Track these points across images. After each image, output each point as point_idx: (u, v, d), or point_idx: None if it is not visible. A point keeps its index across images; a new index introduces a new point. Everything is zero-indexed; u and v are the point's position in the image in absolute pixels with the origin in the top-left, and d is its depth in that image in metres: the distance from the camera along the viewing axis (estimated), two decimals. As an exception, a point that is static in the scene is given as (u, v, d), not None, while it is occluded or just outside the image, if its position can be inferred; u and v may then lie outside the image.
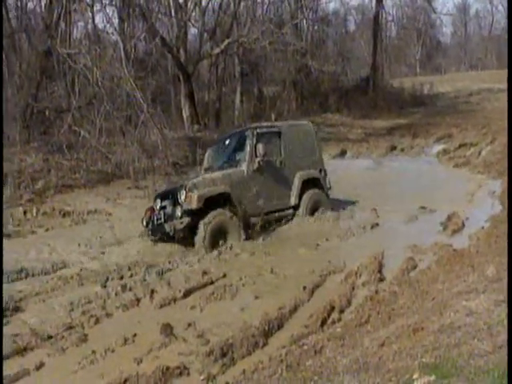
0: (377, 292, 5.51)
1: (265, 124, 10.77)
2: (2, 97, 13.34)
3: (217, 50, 21.60)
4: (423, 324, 4.00)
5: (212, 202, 8.22)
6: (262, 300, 5.63)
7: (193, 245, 8.02)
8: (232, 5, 23.16)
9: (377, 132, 20.99)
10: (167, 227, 8.15)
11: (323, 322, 4.94)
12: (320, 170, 10.13)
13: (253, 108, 24.13)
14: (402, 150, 17.28)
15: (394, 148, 17.59)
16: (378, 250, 6.86)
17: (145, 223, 8.80)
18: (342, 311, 5.19)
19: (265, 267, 6.67)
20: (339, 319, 5.02)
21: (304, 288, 5.75)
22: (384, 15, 35.28)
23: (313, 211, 9.52)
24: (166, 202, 8.70)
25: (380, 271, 6.19)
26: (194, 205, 8.02)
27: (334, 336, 4.50)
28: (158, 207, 8.85)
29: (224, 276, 6.49)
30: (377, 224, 8.64)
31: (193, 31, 24.82)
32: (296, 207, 9.47)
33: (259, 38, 20.05)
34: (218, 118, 22.92)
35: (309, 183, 9.69)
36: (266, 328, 4.81)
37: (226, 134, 11.17)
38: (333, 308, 5.21)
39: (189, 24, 22.20)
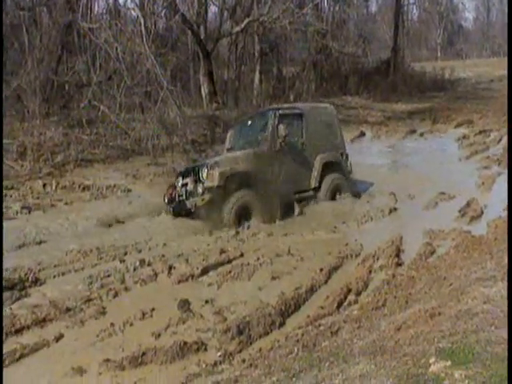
0: (394, 276, 5.50)
1: (287, 105, 10.83)
2: (1, 97, 13.33)
3: (237, 29, 21.44)
4: (440, 309, 3.98)
5: (233, 181, 8.31)
6: (279, 280, 5.66)
7: (214, 222, 8.10)
8: (253, -17, 22.93)
9: (396, 115, 20.80)
10: (188, 204, 8.32)
11: (340, 304, 4.95)
12: (341, 154, 10.14)
13: (272, 88, 23.95)
14: (422, 134, 17.10)
15: (413, 132, 17.43)
16: (395, 235, 6.85)
17: (166, 200, 8.94)
18: (358, 294, 5.18)
19: (282, 248, 6.69)
20: (356, 301, 5.02)
21: (321, 270, 5.76)
22: (406, -3, 34.85)
23: (333, 194, 9.57)
24: (187, 180, 8.78)
25: (398, 255, 6.18)
26: (215, 182, 8.15)
27: (351, 318, 4.51)
28: (179, 184, 8.95)
29: (241, 255, 6.53)
30: (395, 208, 8.61)
31: (213, 9, 24.67)
32: (316, 189, 9.49)
33: (279, 17, 19.85)
34: (237, 96, 22.79)
35: (330, 166, 9.70)
36: (283, 308, 4.83)
37: (248, 115, 11.18)
38: (349, 290, 5.22)
39: (209, 1, 22.07)
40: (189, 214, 8.38)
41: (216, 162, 8.49)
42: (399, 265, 5.94)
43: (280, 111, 9.42)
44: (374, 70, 28.44)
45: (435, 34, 51.54)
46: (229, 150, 10.11)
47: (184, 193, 8.61)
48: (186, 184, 8.74)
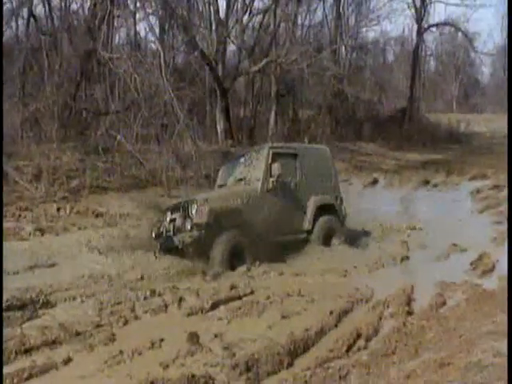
0: (404, 324, 5.46)
1: (281, 144, 10.66)
2: (2, 96, 13.56)
3: (254, 68, 21.84)
4: (450, 360, 3.98)
5: (223, 219, 8.14)
6: (288, 320, 5.63)
7: (202, 261, 7.91)
8: (272, 25, 23.46)
9: (410, 165, 20.90)
10: (176, 240, 8.13)
11: (349, 348, 4.91)
12: (336, 197, 9.96)
13: (286, 129, 24.27)
14: (435, 185, 17.10)
15: (427, 182, 17.40)
16: (407, 283, 6.84)
17: (154, 235, 8.74)
18: (368, 339, 5.14)
19: (293, 288, 6.68)
20: (365, 347, 4.98)
21: (331, 313, 5.73)
22: (424, 49, 35.36)
23: (326, 238, 9.35)
24: (176, 215, 8.57)
25: (408, 304, 6.15)
26: (204, 219, 7.97)
27: (360, 363, 4.49)
28: (168, 219, 8.74)
29: (251, 292, 6.54)
30: (407, 257, 8.59)
31: (232, 47, 25.15)
32: (309, 232, 9.28)
33: (297, 59, 20.21)
34: (252, 135, 23.08)
35: (323, 209, 9.52)
36: (292, 348, 4.80)
37: (240, 152, 11.08)
38: (359, 335, 5.18)
39: (228, 40, 22.51)
40: (176, 251, 8.15)
41: (206, 199, 8.31)
42: (410, 313, 5.90)
43: (274, 149, 9.26)
44: (389, 118, 28.73)
45: (451, 87, 51.99)
46: (220, 186, 9.93)
47: (172, 228, 8.40)
48: (175, 219, 8.53)
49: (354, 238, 10.13)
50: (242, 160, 9.79)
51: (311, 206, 9.38)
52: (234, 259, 8.05)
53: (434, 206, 14.09)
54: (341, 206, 9.99)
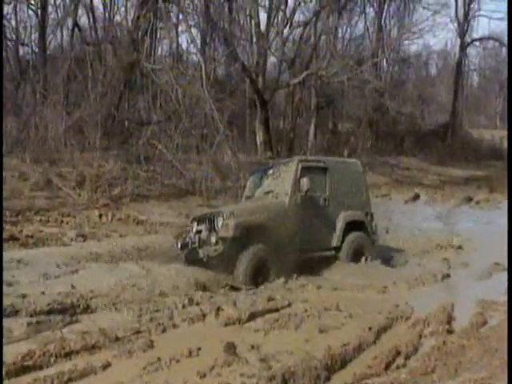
0: (445, 343, 5.36)
1: (311, 158, 10.50)
2: (1, 102, 13.86)
3: (294, 81, 21.91)
4: (490, 381, 3.91)
5: (249, 233, 7.95)
6: (326, 334, 5.58)
7: (226, 275, 7.80)
8: (312, 37, 23.51)
9: (453, 180, 20.61)
10: (201, 253, 7.99)
11: (387, 366, 4.83)
12: (366, 213, 9.63)
13: (326, 142, 24.22)
14: (478, 202, 16.78)
15: (470, 199, 17.09)
16: (447, 301, 6.71)
17: (179, 245, 8.51)
18: (407, 357, 5.05)
19: (330, 302, 6.63)
20: (404, 365, 4.89)
21: (370, 329, 5.66)
22: (467, 63, 34.86)
23: (355, 255, 9.07)
24: (201, 227, 8.46)
25: (449, 322, 6.03)
26: (230, 233, 7.79)
27: (398, 381, 4.41)
28: (194, 231, 8.62)
29: (289, 305, 6.50)
30: (448, 275, 8.43)
31: (272, 60, 25.29)
32: (337, 249, 9.03)
33: (338, 72, 20.19)
34: (291, 147, 23.09)
35: (353, 225, 9.23)
36: (329, 363, 4.75)
37: (270, 164, 10.88)
38: (398, 353, 5.09)
39: (269, 52, 22.63)
40: (201, 263, 7.99)
41: (232, 212, 8.10)
42: (450, 332, 5.79)
43: (303, 163, 9.03)
44: (431, 133, 28.45)
45: (494, 102, 51.06)
46: (248, 197, 9.73)
47: (197, 240, 8.23)
48: (200, 231, 8.41)
49: (393, 255, 9.98)
50: (271, 172, 9.58)
51: (340, 222, 9.11)
52: (258, 275, 7.89)
53: (477, 223, 13.79)
54: (371, 222, 9.68)
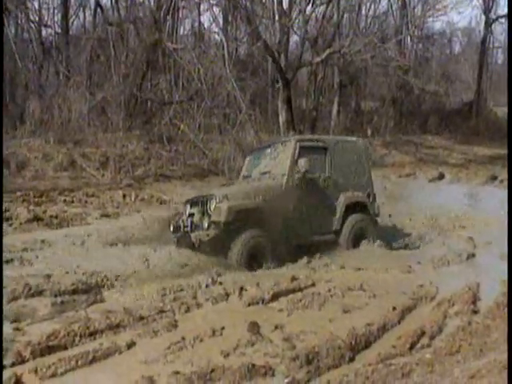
0: (470, 323, 5.31)
1: (310, 136, 10.20)
2: (2, 89, 13.91)
3: (317, 59, 21.63)
4: (516, 361, 3.83)
5: (243, 217, 7.57)
6: (350, 314, 5.56)
7: (219, 261, 7.40)
8: (335, 15, 23.20)
9: (478, 159, 20.34)
10: (193, 237, 7.59)
11: (412, 346, 4.80)
12: (368, 194, 9.29)
13: (349, 121, 23.99)
14: (502, 181, 16.54)
15: (494, 178, 16.88)
16: (473, 281, 6.63)
17: (172, 229, 8.15)
18: (432, 338, 5.01)
19: (354, 282, 6.59)
20: (429, 345, 4.85)
21: (394, 309, 5.62)
22: (491, 40, 34.16)
23: (356, 239, 8.78)
24: (194, 210, 8.16)
25: (474, 303, 5.96)
26: (222, 217, 7.41)
27: (423, 361, 4.38)
28: (186, 213, 8.32)
29: (313, 285, 6.48)
30: (473, 255, 8.32)
31: (295, 38, 25.04)
32: (337, 233, 8.72)
33: (361, 50, 19.88)
34: (314, 126, 22.93)
35: (354, 207, 8.91)
36: (353, 343, 4.73)
37: (268, 142, 10.47)
38: (423, 333, 5.06)
39: (291, 31, 22.38)
40: (193, 247, 7.57)
41: (226, 195, 7.75)
42: (475, 312, 5.73)
43: (302, 142, 8.66)
44: (456, 111, 28.02)
45: (520, 80, 50.02)
46: (245, 177, 9.38)
47: (189, 224, 7.87)
48: (193, 214, 8.10)
49: (419, 235, 9.86)
50: (268, 151, 9.18)
51: (340, 204, 8.77)
52: (253, 262, 7.54)
53: (502, 202, 13.57)
54: (373, 204, 9.35)
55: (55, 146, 13.30)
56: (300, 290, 6.28)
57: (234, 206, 7.51)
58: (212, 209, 7.66)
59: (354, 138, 10.33)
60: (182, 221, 8.14)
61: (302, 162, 8.21)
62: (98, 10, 21.64)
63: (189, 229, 7.82)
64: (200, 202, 8.11)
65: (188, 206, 8.42)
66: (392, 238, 9.85)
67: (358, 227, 8.84)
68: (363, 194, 9.18)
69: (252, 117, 15.56)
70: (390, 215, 11.14)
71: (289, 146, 8.59)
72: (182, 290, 6.06)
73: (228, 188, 8.73)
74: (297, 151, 8.42)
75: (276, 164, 8.67)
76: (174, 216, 8.69)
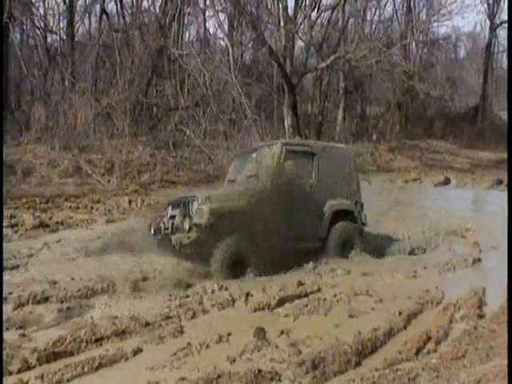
0: (475, 328, 5.30)
1: (297, 141, 10.02)
2: (2, 94, 13.96)
3: (322, 65, 21.68)
4: (522, 366, 3.82)
5: (225, 221, 7.27)
6: (356, 320, 5.55)
7: (201, 266, 7.13)
8: (341, 21, 23.27)
9: (483, 164, 20.30)
10: (173, 240, 7.39)
11: (418, 351, 4.79)
12: (356, 203, 9.03)
13: (355, 126, 24.01)
14: (508, 185, 16.54)
15: (500, 182, 16.81)
16: (478, 286, 6.61)
17: (152, 231, 7.92)
18: (438, 342, 5.00)
19: (360, 287, 6.59)
20: (435, 350, 4.84)
21: (400, 313, 5.61)
22: (496, 45, 34.17)
23: (342, 248, 8.51)
24: (176, 211, 7.89)
25: (480, 307, 5.95)
26: (204, 219, 7.16)
27: (429, 366, 4.36)
28: (168, 215, 8.06)
29: (318, 290, 6.49)
30: (479, 259, 8.30)
31: (300, 44, 25.08)
32: (324, 240, 8.47)
33: (366, 55, 19.89)
34: (320, 131, 22.96)
35: (341, 215, 8.67)
36: (360, 348, 4.72)
37: (254, 146, 10.33)
38: (429, 338, 5.05)
39: (296, 36, 22.44)
40: (174, 250, 7.36)
41: (208, 197, 7.47)
42: (481, 317, 5.72)
43: (288, 146, 8.45)
44: (461, 116, 28.03)
45: (525, 84, 49.86)
46: (230, 181, 9.12)
47: (170, 226, 7.62)
48: (174, 217, 7.81)
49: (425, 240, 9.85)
50: (254, 155, 8.90)
51: (327, 211, 8.51)
52: (236, 268, 7.26)
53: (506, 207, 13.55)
54: (360, 212, 9.10)
55: (61, 152, 13.36)
56: (306, 295, 6.27)
57: (217, 209, 7.27)
58: (194, 211, 7.45)
59: (342, 145, 10.15)
60: (163, 223, 7.90)
61: (288, 166, 8.08)
62: (104, 16, 21.72)
63: (169, 231, 7.60)
64: (182, 204, 7.88)
65: (170, 208, 8.17)
66: (397, 242, 9.85)
67: (345, 235, 8.62)
68: (351, 203, 8.96)
69: (257, 122, 15.55)
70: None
71: (275, 150, 8.36)
72: (187, 296, 6.07)
73: (211, 191, 8.62)
74: (283, 155, 8.22)
75: (261, 168, 8.37)
76: (155, 218, 8.47)
